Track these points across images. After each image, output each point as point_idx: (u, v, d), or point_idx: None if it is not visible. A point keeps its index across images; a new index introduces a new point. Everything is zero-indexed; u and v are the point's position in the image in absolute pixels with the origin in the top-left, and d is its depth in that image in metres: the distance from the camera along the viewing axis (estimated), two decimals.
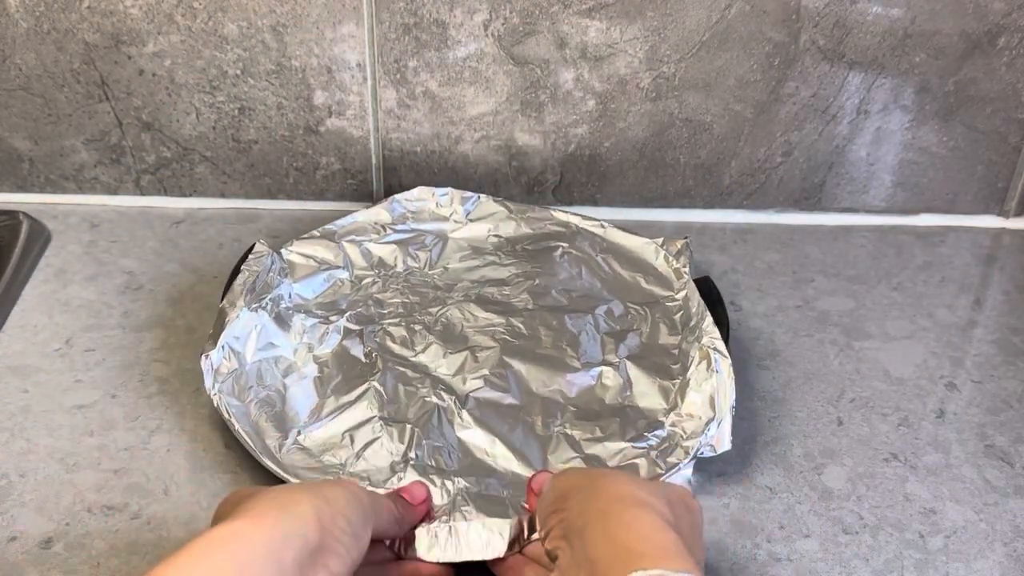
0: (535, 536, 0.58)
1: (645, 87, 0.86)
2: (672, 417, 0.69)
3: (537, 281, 0.81)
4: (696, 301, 0.75)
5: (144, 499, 0.65)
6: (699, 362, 0.70)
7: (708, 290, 0.77)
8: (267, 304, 0.74)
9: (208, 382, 0.68)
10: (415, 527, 0.59)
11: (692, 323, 0.74)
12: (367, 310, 0.78)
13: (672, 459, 0.66)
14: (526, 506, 0.62)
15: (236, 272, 0.76)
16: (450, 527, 0.59)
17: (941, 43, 0.84)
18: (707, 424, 0.66)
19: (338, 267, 0.81)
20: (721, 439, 0.65)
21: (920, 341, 0.80)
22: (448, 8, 0.82)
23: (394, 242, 0.84)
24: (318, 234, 0.83)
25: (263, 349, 0.72)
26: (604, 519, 0.49)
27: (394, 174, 0.91)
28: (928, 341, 0.80)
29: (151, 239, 0.88)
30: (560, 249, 0.84)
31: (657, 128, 0.88)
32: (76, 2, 0.82)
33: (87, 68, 0.85)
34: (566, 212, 0.87)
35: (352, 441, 0.67)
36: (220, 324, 0.71)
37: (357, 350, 0.74)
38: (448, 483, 0.64)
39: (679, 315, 0.77)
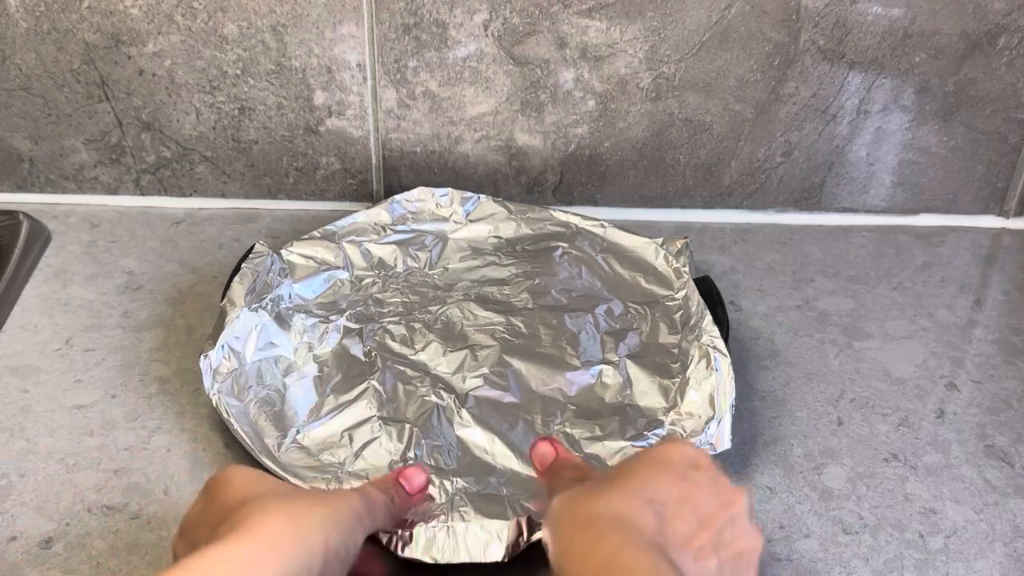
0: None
1: (645, 87, 0.86)
2: (672, 416, 0.69)
3: (537, 281, 0.81)
4: (696, 300, 0.75)
5: (144, 499, 0.65)
6: (699, 361, 0.70)
7: (708, 290, 0.77)
8: (267, 304, 0.74)
9: (207, 382, 0.68)
10: (413, 526, 0.59)
11: (692, 322, 0.74)
12: (367, 309, 0.78)
13: None
14: (528, 505, 0.62)
15: (236, 272, 0.76)
16: (448, 528, 0.59)
17: (941, 43, 0.84)
18: (707, 423, 0.66)
19: (338, 267, 0.81)
20: (721, 438, 0.65)
21: (920, 341, 0.80)
22: (448, 8, 0.82)
23: (394, 243, 0.84)
24: (318, 235, 0.83)
25: (263, 349, 0.72)
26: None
27: (394, 174, 0.91)
28: (928, 341, 0.80)
29: (151, 239, 0.88)
30: (560, 249, 0.84)
31: (657, 128, 0.88)
32: (76, 2, 0.82)
33: (87, 68, 0.85)
34: (566, 212, 0.87)
35: (351, 440, 0.67)
36: (220, 324, 0.71)
37: (357, 349, 0.74)
38: (447, 483, 0.64)
39: (679, 314, 0.77)
